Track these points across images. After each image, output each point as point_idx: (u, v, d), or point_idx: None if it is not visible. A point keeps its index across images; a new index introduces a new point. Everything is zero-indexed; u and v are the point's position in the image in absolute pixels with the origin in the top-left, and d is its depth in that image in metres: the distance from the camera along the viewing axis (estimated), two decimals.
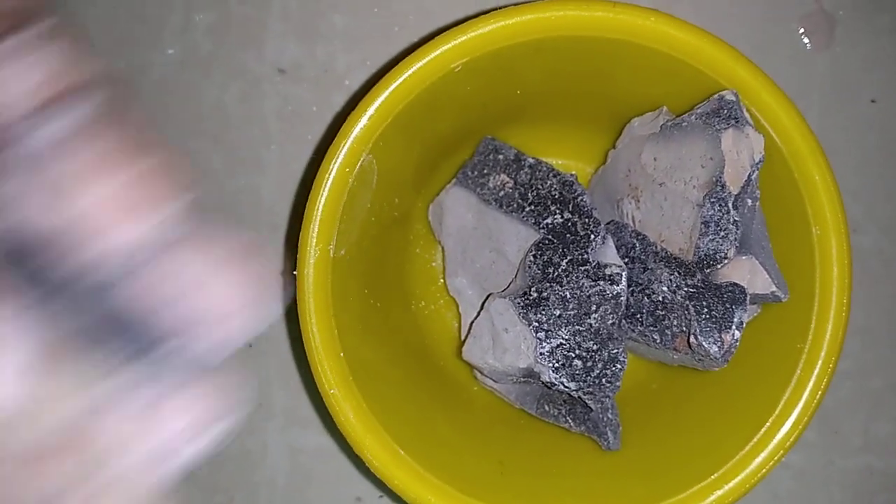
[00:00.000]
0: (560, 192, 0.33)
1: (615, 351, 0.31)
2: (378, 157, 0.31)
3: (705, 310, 0.30)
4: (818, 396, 0.30)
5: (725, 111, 0.29)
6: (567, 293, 0.31)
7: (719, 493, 0.30)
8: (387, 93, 0.30)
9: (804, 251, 0.31)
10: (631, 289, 0.31)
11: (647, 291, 0.31)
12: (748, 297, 0.30)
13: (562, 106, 0.35)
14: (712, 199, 0.29)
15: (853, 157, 0.40)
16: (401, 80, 0.30)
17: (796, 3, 0.40)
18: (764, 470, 0.30)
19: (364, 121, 0.30)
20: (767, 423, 0.31)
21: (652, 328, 0.31)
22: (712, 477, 0.31)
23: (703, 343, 0.29)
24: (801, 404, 0.30)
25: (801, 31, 0.40)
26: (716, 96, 0.30)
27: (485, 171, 0.35)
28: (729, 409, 0.32)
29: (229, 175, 0.39)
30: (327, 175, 0.30)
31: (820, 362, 0.30)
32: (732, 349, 0.29)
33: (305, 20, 0.39)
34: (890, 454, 0.40)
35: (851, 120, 0.40)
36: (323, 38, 0.39)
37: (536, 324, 0.31)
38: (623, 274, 0.31)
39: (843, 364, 0.39)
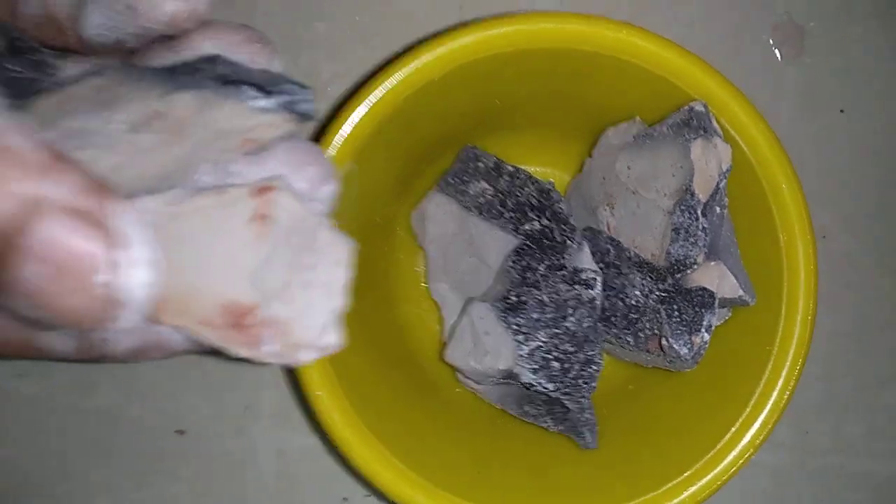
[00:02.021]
0: (538, 200, 0.34)
1: (591, 353, 0.32)
2: (360, 165, 0.32)
3: (676, 313, 0.31)
4: (786, 396, 0.31)
5: (695, 122, 0.30)
6: (545, 297, 0.32)
7: (692, 489, 0.31)
8: (367, 103, 0.31)
9: (772, 257, 0.32)
10: (606, 293, 0.33)
11: (621, 295, 0.32)
12: (717, 301, 0.31)
13: (540, 115, 0.36)
14: (682, 207, 0.30)
15: (823, 165, 0.41)
16: (381, 89, 0.31)
17: (767, 15, 0.41)
18: (735, 467, 0.31)
19: (346, 130, 0.31)
20: (738, 423, 0.32)
21: (626, 331, 0.32)
22: (685, 474, 0.32)
23: (674, 345, 0.30)
24: (769, 404, 0.31)
25: (772, 42, 0.41)
26: (686, 107, 0.31)
27: (465, 179, 0.36)
28: (701, 409, 0.33)
29: None
30: None
31: (787, 364, 0.31)
32: (702, 351, 0.31)
33: (288, 28, 0.40)
34: (859, 454, 0.41)
35: (821, 129, 0.41)
36: (306, 46, 0.40)
37: (515, 327, 0.32)
38: (598, 279, 0.32)
39: (813, 367, 0.40)
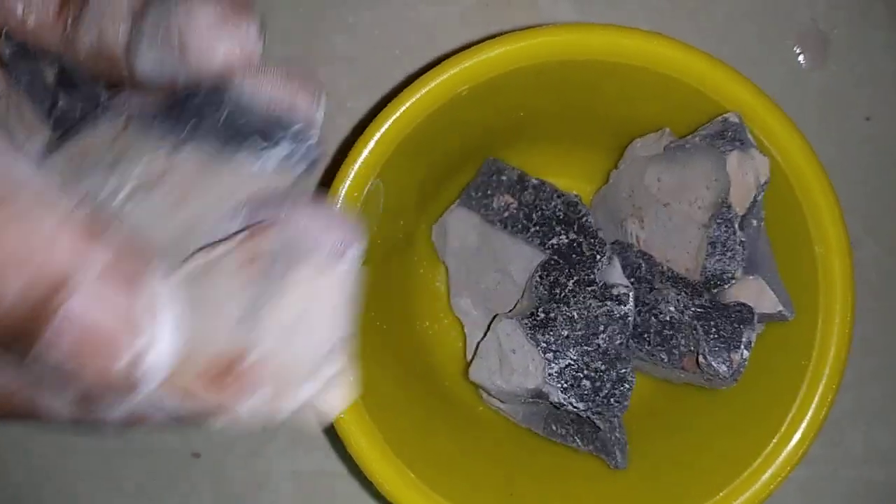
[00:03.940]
0: (565, 213, 0.33)
1: (623, 371, 0.31)
2: (384, 181, 0.31)
3: (713, 329, 0.30)
4: (823, 413, 0.31)
5: (730, 133, 0.30)
6: (574, 314, 0.31)
7: None
8: (394, 118, 0.30)
9: (808, 270, 0.31)
10: (638, 309, 0.32)
11: (654, 311, 0.31)
12: (756, 317, 0.30)
13: (564, 127, 0.36)
14: (718, 220, 0.29)
15: (849, 172, 0.40)
16: (408, 104, 0.30)
17: (792, 23, 0.40)
18: (771, 486, 0.31)
19: (372, 146, 0.30)
20: (773, 440, 0.31)
21: (660, 348, 0.31)
22: (720, 494, 0.31)
23: (713, 363, 0.29)
24: (806, 421, 0.31)
25: (797, 49, 0.40)
26: (720, 118, 0.30)
27: (488, 192, 0.35)
28: (735, 425, 0.33)
29: None
30: (335, 200, 0.30)
31: (824, 379, 0.31)
32: (741, 368, 0.30)
33: (307, 42, 0.40)
34: (891, 464, 0.40)
35: (846, 136, 0.40)
36: (325, 60, 0.40)
37: (544, 344, 0.31)
38: (630, 294, 0.31)
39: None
